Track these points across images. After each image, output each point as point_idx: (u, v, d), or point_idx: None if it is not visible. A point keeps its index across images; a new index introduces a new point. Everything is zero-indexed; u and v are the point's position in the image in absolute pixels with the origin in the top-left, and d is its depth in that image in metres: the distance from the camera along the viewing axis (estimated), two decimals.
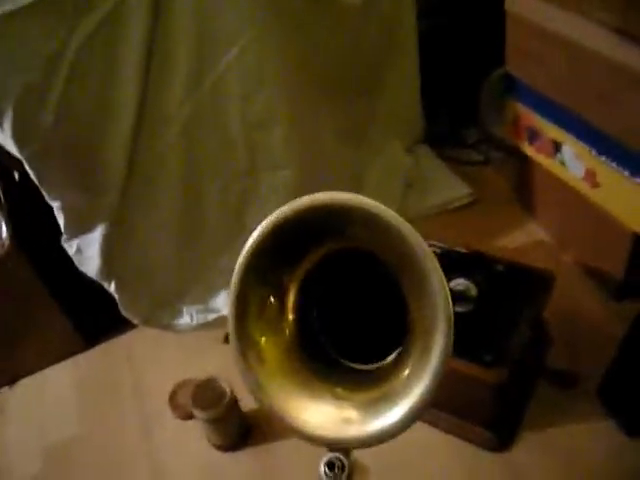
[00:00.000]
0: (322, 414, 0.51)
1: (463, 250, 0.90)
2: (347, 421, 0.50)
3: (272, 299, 0.53)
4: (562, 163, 1.06)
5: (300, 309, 0.54)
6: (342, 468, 0.91)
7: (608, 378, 0.88)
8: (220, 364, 1.07)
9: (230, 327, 0.52)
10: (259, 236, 0.51)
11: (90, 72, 0.81)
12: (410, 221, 0.47)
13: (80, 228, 0.94)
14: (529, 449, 0.90)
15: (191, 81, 0.87)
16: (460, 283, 0.85)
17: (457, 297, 0.83)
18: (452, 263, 0.88)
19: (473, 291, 0.84)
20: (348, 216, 0.47)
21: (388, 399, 0.48)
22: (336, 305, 0.55)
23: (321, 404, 0.52)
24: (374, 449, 0.93)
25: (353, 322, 0.54)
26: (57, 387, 1.15)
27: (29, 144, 0.81)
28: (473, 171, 1.39)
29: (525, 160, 1.19)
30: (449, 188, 1.32)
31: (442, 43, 1.38)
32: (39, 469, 1.02)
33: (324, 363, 0.54)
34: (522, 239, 1.21)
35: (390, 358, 0.52)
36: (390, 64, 1.30)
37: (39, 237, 1.05)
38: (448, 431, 0.93)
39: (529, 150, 1.15)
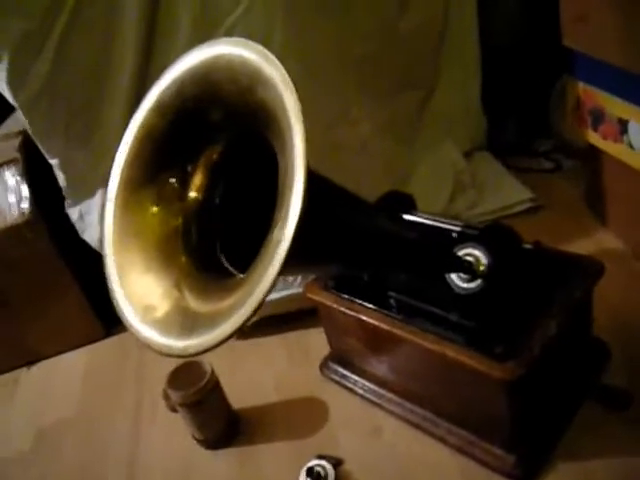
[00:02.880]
0: (151, 296, 0.41)
1: (482, 226, 0.75)
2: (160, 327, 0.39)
3: (173, 180, 0.46)
4: (630, 145, 0.88)
5: (207, 192, 0.46)
6: (325, 477, 0.78)
7: None
8: (230, 357, 1.00)
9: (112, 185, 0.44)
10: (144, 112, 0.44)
11: (90, 23, 0.81)
12: None
13: (81, 192, 0.92)
14: None
15: (195, 38, 0.84)
16: (469, 254, 0.70)
17: (461, 269, 0.69)
18: (469, 238, 0.73)
19: (482, 266, 0.68)
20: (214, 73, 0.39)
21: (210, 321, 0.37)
22: (237, 201, 0.45)
23: (158, 290, 0.41)
24: (368, 462, 0.79)
25: (248, 223, 0.44)
26: (68, 372, 1.12)
27: (23, 91, 0.81)
28: (541, 179, 1.23)
29: (595, 163, 1.03)
30: (508, 192, 1.16)
31: (510, 51, 1.27)
32: (29, 447, 0.98)
33: (203, 264, 0.43)
34: (591, 247, 1.02)
35: None
36: (444, 62, 1.20)
37: (64, 217, 1.05)
38: (459, 450, 0.75)
39: (594, 138, 0.98)
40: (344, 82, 0.99)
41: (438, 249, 0.70)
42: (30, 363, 1.16)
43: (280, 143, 0.36)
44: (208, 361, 0.84)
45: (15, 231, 1.02)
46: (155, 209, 0.45)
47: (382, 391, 0.85)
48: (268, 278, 0.33)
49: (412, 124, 1.19)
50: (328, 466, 0.78)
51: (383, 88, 1.08)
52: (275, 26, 0.86)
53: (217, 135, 0.45)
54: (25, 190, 1.03)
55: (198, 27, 0.85)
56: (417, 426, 0.80)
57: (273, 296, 1.00)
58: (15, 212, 1.02)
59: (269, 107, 0.36)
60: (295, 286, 0.99)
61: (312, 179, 0.34)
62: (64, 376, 1.12)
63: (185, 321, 0.38)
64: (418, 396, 0.80)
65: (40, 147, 0.88)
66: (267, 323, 1.05)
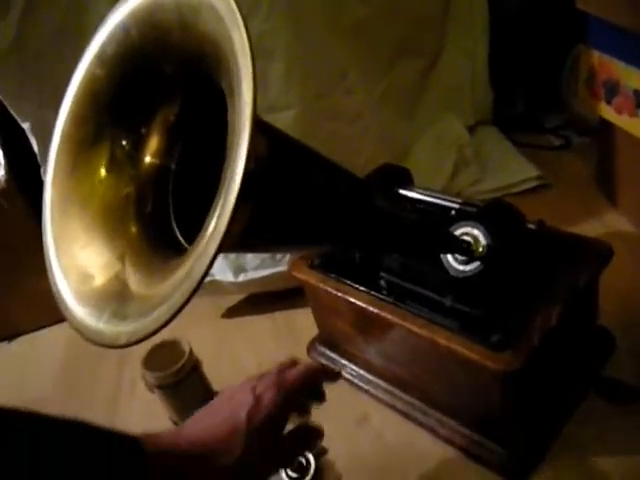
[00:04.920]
0: (91, 268, 0.36)
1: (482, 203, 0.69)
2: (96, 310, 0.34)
3: (125, 143, 0.40)
4: None
5: (164, 157, 0.40)
6: (306, 468, 0.73)
7: None
8: (214, 337, 0.96)
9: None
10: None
11: None
12: None
13: None
14: None
15: None
16: (467, 233, 0.64)
17: (458, 250, 0.63)
18: (467, 216, 0.67)
19: (481, 247, 0.63)
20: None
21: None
22: (195, 166, 0.40)
23: (100, 261, 0.36)
24: (353, 452, 0.75)
25: (206, 191, 0.38)
26: (49, 347, 1.08)
27: None
28: (550, 156, 1.17)
29: (607, 139, 0.96)
30: (514, 170, 1.10)
31: (520, 17, 1.20)
32: None
33: (156, 237, 0.38)
34: (600, 229, 0.96)
35: None
36: (450, 29, 1.13)
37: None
38: (450, 442, 0.71)
39: (607, 112, 0.91)
40: (338, 47, 0.92)
41: (433, 227, 0.65)
42: (10, 337, 1.12)
43: (231, 94, 0.30)
44: (188, 340, 0.80)
45: None
46: (104, 174, 0.39)
47: (371, 377, 0.80)
48: (206, 257, 0.27)
49: (412, 94, 1.12)
50: (309, 455, 0.73)
51: (381, 55, 1.02)
52: None
53: (173, 91, 0.39)
54: (0, 157, 0.97)
55: None
56: (406, 415, 0.75)
57: (260, 273, 0.95)
58: None
59: (220, 50, 0.30)
60: (283, 263, 0.94)
61: (273, 138, 0.28)
62: (44, 351, 1.07)
63: (120, 302, 0.33)
64: (408, 384, 0.75)
65: (11, 110, 0.82)
66: (254, 302, 1.00)
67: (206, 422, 0.52)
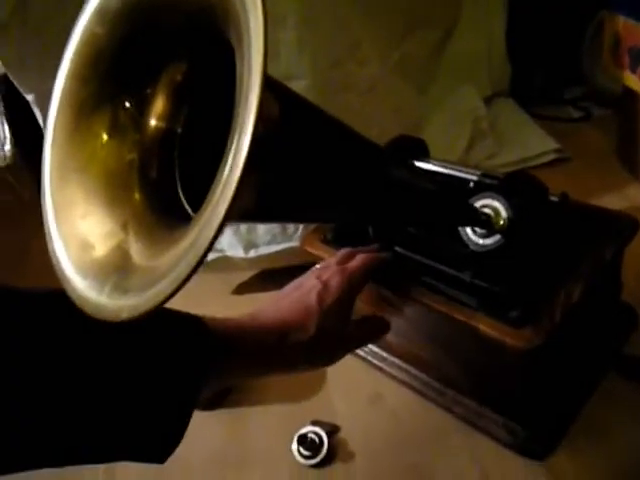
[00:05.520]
0: (93, 237, 0.34)
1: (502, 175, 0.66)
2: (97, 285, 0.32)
3: (128, 105, 0.38)
4: None
5: (170, 120, 0.38)
6: (319, 445, 0.72)
7: None
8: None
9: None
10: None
11: None
12: None
13: None
14: (580, 460, 0.63)
15: None
16: (487, 205, 0.61)
17: (477, 223, 0.60)
18: (487, 188, 0.65)
19: (502, 219, 0.60)
20: None
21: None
22: (204, 129, 0.37)
23: (102, 230, 0.34)
24: (366, 430, 0.73)
25: (215, 155, 0.36)
26: None
27: None
28: (569, 128, 1.14)
29: (630, 110, 0.93)
30: (531, 142, 1.07)
31: None
32: None
33: (161, 205, 0.36)
34: (621, 203, 0.93)
35: None
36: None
37: None
38: (467, 421, 0.69)
39: (632, 81, 0.87)
40: (351, 16, 0.88)
41: (451, 200, 0.62)
42: None
43: (239, 46, 0.27)
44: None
45: None
46: (106, 138, 0.37)
47: (385, 354, 0.78)
48: (212, 226, 0.25)
49: (427, 66, 1.09)
50: (322, 433, 0.72)
51: (395, 25, 0.98)
52: None
53: (179, 48, 0.36)
54: (6, 131, 0.95)
55: None
56: (421, 394, 0.73)
57: (272, 249, 0.93)
58: None
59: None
60: (295, 239, 0.92)
61: (285, 99, 0.26)
62: None
63: (122, 274, 0.31)
64: (424, 361, 0.73)
65: (14, 81, 0.80)
66: (265, 278, 0.98)
67: (276, 305, 0.52)
